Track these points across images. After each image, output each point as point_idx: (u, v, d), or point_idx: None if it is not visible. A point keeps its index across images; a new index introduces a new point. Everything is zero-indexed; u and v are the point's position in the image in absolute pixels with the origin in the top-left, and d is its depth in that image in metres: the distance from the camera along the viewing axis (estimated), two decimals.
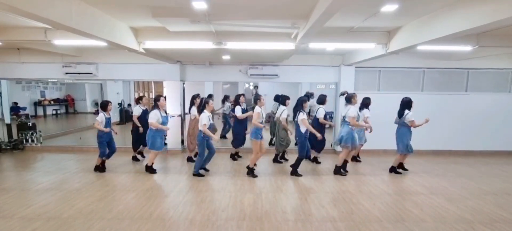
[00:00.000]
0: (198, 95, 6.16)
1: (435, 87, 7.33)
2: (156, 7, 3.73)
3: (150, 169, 5.47)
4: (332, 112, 7.94)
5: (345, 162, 5.56)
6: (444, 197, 4.48)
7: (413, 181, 5.26)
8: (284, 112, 5.55)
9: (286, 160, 6.47)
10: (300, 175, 5.39)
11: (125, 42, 4.64)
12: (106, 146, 5.38)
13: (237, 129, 6.29)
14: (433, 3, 3.54)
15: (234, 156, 6.61)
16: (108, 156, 5.53)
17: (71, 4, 3.32)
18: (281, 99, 5.94)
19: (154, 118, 5.17)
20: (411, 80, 7.32)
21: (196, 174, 5.29)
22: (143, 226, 3.47)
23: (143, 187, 4.78)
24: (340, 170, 5.53)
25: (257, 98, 5.42)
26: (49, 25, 3.46)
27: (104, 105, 5.39)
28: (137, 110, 6.12)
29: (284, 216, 3.79)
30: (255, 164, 5.43)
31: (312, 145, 5.64)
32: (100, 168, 5.51)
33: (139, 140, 6.18)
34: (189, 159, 6.37)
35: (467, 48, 5.12)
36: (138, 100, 6.32)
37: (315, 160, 6.36)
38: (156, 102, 5.32)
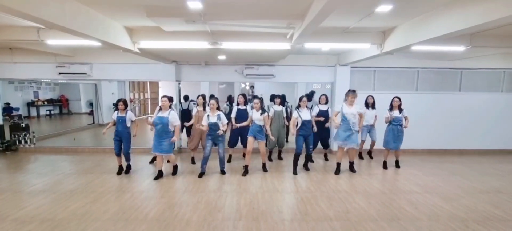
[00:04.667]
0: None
1: (429, 87, 7.40)
2: (151, 6, 3.71)
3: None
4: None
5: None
6: (438, 196, 4.52)
7: (408, 180, 5.31)
8: (270, 111, 6.10)
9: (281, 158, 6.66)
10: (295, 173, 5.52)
11: (119, 42, 4.60)
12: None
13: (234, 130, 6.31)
14: (427, 3, 3.57)
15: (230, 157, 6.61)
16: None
17: (65, 3, 3.28)
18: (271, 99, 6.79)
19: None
20: (405, 80, 7.38)
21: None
22: (138, 227, 3.44)
23: (138, 188, 4.74)
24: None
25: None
26: (42, 25, 3.42)
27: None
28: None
29: (280, 215, 3.79)
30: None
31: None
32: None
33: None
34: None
35: (461, 48, 5.18)
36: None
37: (325, 157, 6.73)
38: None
